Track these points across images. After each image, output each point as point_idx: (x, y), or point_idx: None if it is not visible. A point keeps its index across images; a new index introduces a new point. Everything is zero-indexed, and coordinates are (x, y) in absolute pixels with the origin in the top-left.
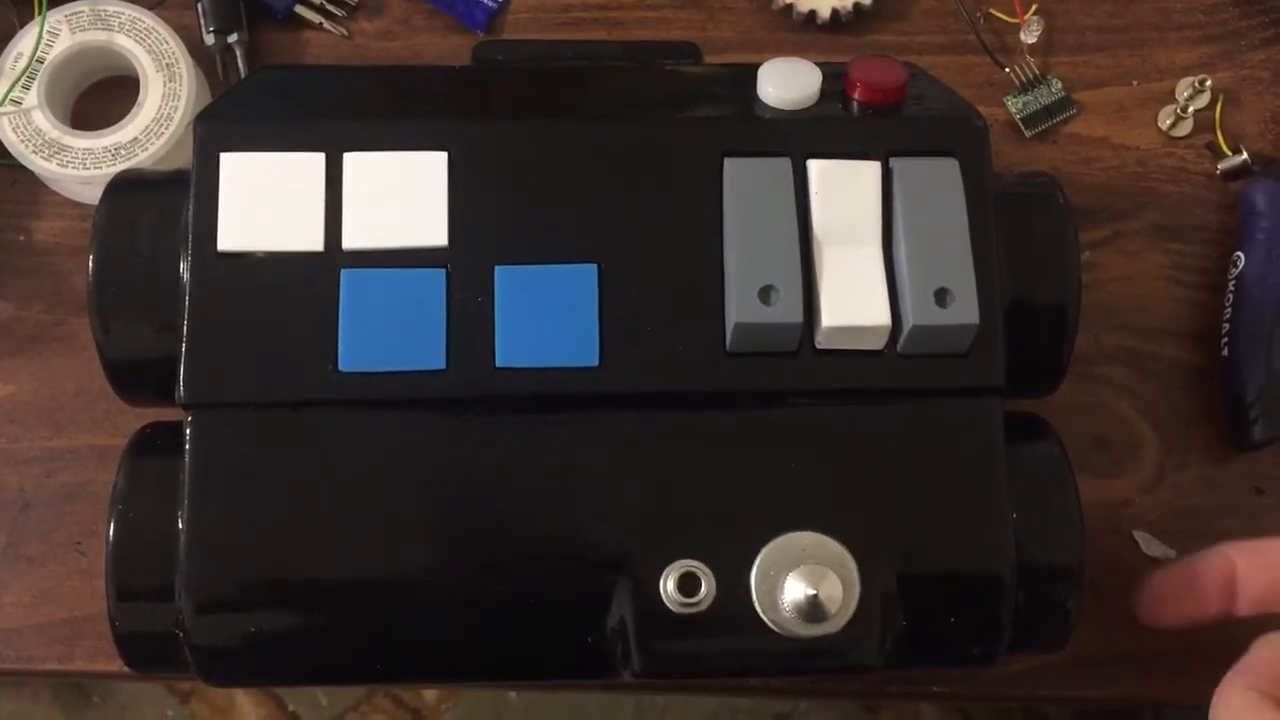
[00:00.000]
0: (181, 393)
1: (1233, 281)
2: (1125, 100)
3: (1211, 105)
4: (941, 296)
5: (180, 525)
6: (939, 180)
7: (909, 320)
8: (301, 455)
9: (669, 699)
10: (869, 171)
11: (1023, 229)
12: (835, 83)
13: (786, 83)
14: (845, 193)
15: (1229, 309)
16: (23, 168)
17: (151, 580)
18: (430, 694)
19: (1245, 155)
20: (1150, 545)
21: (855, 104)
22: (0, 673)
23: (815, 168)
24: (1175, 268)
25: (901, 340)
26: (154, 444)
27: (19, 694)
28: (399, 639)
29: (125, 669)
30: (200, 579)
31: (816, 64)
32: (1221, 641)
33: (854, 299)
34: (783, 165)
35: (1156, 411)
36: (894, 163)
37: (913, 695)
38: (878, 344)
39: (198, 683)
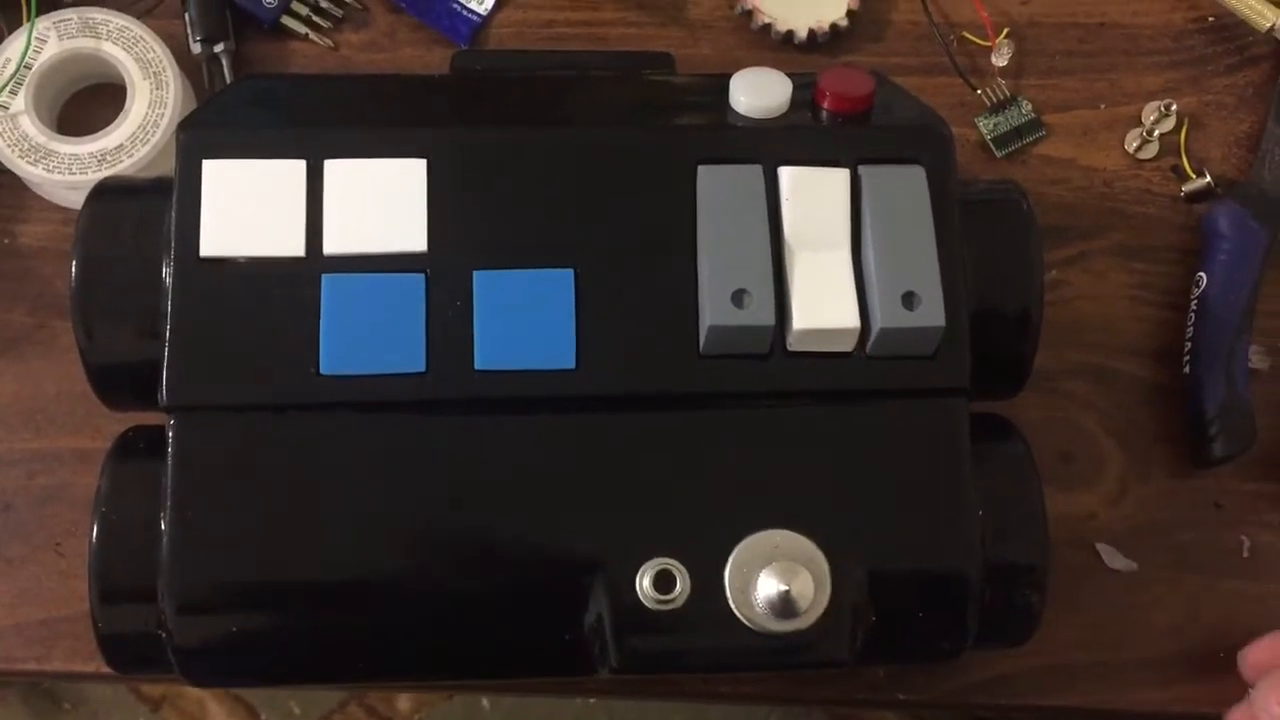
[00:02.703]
0: (164, 396)
1: (1195, 301)
2: (1093, 123)
3: (1177, 129)
4: (909, 300)
5: (163, 527)
6: (906, 187)
7: (877, 323)
8: (283, 457)
9: (641, 712)
10: (838, 178)
11: (988, 234)
12: (805, 92)
13: (758, 92)
14: (815, 199)
15: (1191, 328)
16: (6, 171)
17: (134, 582)
18: (404, 704)
19: (1209, 178)
20: (1113, 558)
21: (825, 113)
22: None
23: (786, 175)
24: (1139, 286)
25: (870, 342)
26: (136, 447)
27: None
28: (380, 639)
29: (103, 669)
30: (182, 580)
31: (787, 74)
32: (1187, 651)
33: (824, 302)
34: (754, 172)
35: (1120, 427)
36: (862, 170)
37: (879, 703)
38: (847, 346)
39: (169, 690)
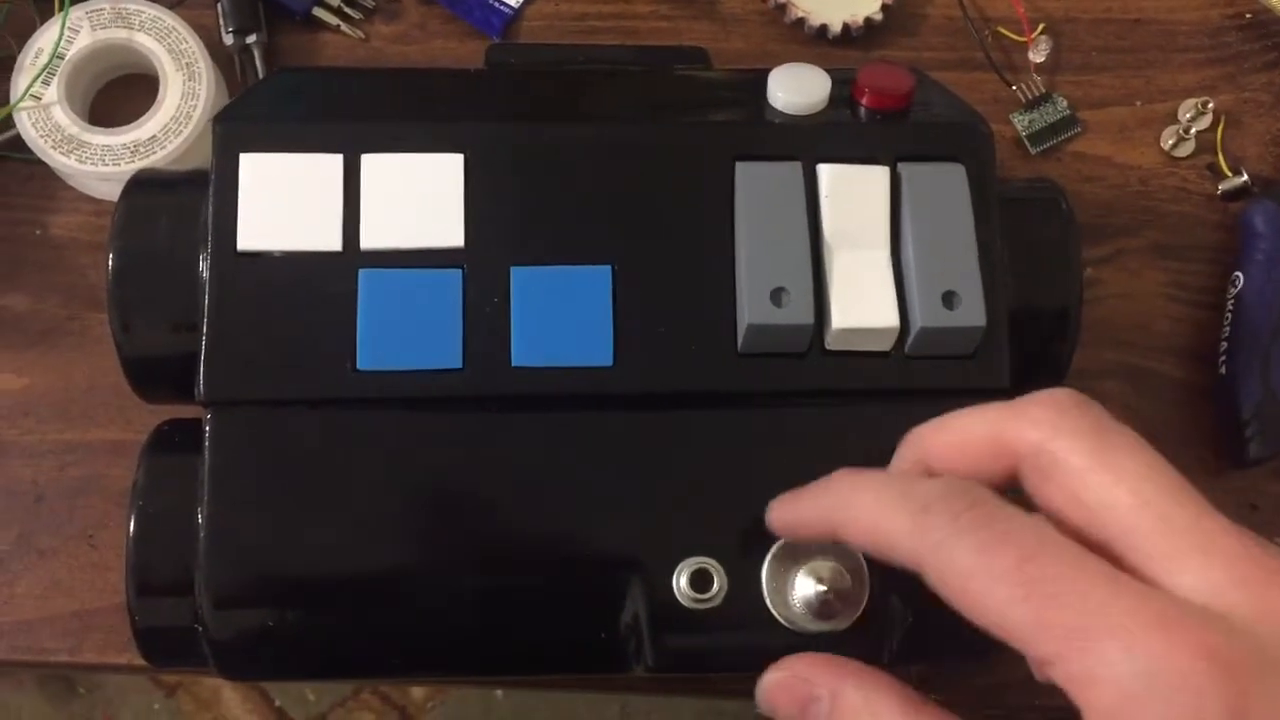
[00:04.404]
0: (201, 390)
1: (1231, 301)
2: (1129, 120)
3: (1213, 127)
4: (949, 299)
5: (200, 521)
6: (946, 185)
7: (917, 322)
8: (320, 452)
9: (654, 702)
10: (878, 176)
11: (1026, 233)
12: (844, 89)
13: (797, 88)
14: (855, 197)
15: (1227, 328)
16: (39, 161)
17: (171, 576)
18: (417, 692)
19: (1245, 177)
20: None
21: (863, 109)
22: (11, 663)
23: (825, 172)
24: (1175, 286)
25: (909, 342)
26: (173, 441)
27: (4, 684)
28: (415, 636)
29: (135, 661)
30: (220, 574)
31: (825, 70)
32: None
33: (863, 301)
34: (793, 169)
35: (1154, 427)
36: (902, 168)
37: None
38: (886, 346)
39: (184, 676)
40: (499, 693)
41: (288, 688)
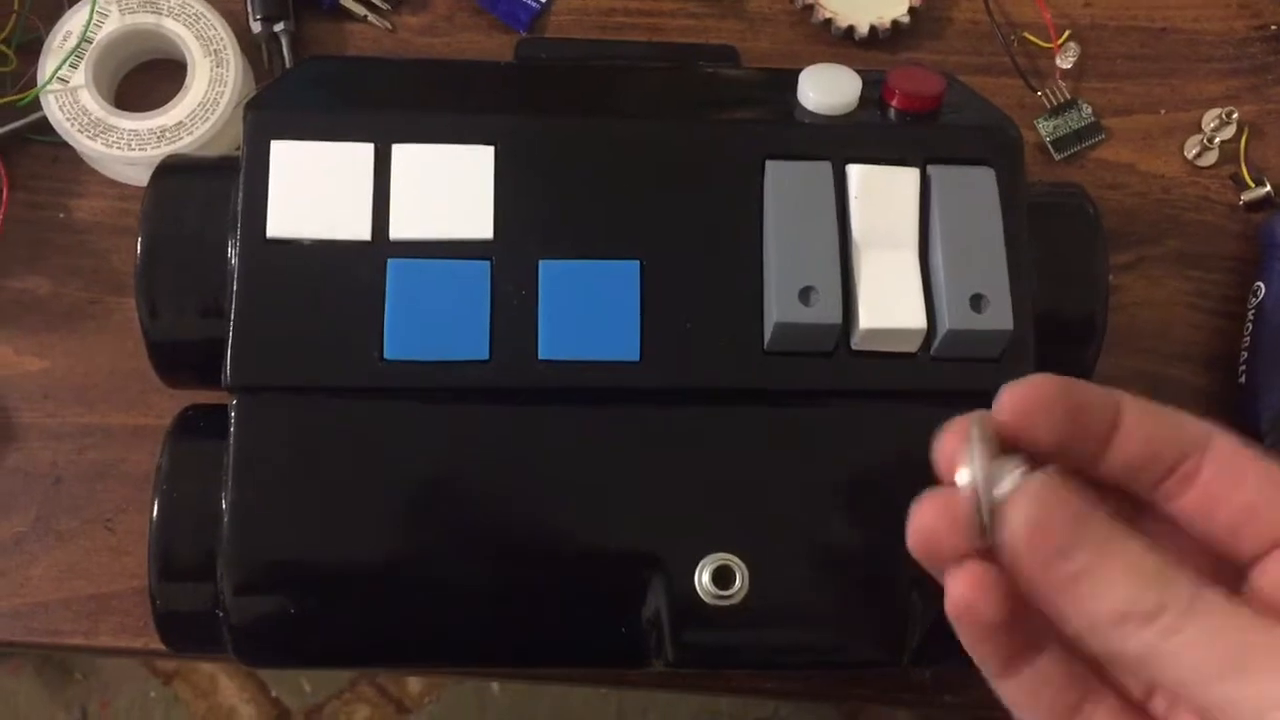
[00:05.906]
0: (228, 376)
1: (1252, 311)
2: (1153, 128)
3: (1237, 137)
4: (977, 302)
5: (223, 506)
6: (975, 188)
7: (944, 324)
8: (345, 441)
9: (650, 700)
10: (908, 178)
11: (1053, 237)
12: (874, 90)
13: (828, 88)
14: (884, 198)
15: (1248, 338)
16: (64, 144)
17: (193, 561)
18: (414, 684)
19: (1268, 188)
20: None
21: (893, 111)
22: (26, 645)
23: (855, 173)
24: (1196, 295)
25: (936, 344)
26: (197, 426)
27: (1, 669)
28: (435, 626)
29: (151, 645)
30: (241, 560)
31: (855, 71)
32: None
33: (891, 302)
34: (823, 169)
35: None
36: (931, 170)
37: (926, 704)
38: (912, 347)
39: (181, 665)
40: (495, 686)
41: (284, 677)
